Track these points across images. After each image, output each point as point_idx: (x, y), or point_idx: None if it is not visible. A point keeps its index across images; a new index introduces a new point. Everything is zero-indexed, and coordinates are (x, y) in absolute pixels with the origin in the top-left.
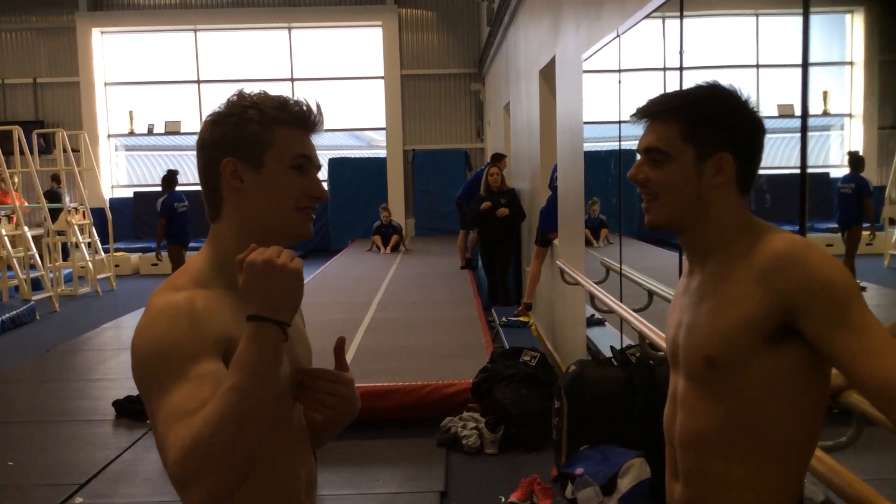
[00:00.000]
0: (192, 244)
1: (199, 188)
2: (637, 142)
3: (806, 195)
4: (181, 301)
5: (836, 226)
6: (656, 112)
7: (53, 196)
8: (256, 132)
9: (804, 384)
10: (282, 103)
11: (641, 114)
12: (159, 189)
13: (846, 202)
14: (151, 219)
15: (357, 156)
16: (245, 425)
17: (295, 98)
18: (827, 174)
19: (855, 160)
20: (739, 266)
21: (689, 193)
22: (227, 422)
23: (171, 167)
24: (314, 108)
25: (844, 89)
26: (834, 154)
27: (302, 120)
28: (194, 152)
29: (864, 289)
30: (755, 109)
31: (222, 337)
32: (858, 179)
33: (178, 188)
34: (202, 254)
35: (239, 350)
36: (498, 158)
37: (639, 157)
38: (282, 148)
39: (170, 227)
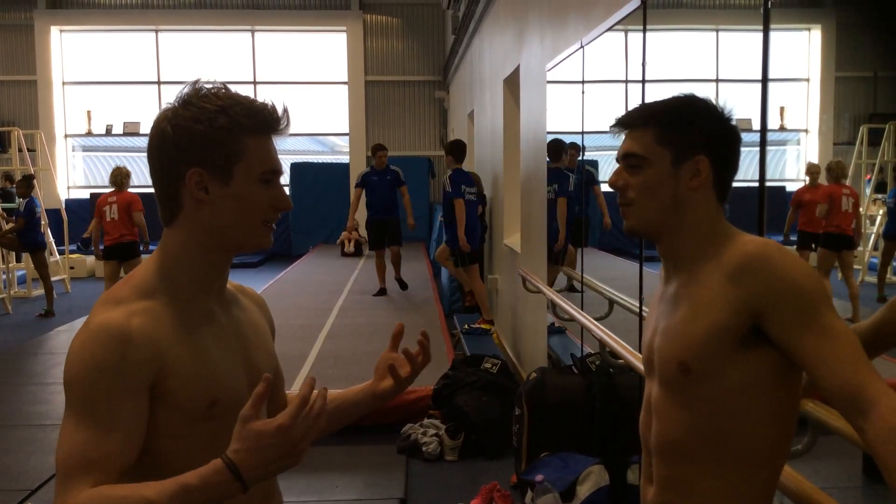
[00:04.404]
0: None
1: (152, 190)
2: (601, 151)
3: (764, 208)
4: (117, 323)
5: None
6: (633, 120)
7: (6, 195)
8: (226, 142)
9: (776, 390)
10: (251, 110)
11: (619, 124)
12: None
13: (891, 214)
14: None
15: (319, 161)
16: None
17: (262, 101)
18: (783, 188)
19: None
20: (712, 270)
21: (666, 197)
22: None
23: (130, 168)
24: (282, 113)
25: (801, 105)
26: (790, 168)
27: (271, 127)
28: None
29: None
30: (731, 118)
31: (154, 363)
32: None
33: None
34: (151, 259)
35: (191, 479)
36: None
37: (618, 165)
38: (251, 161)
39: (27, 229)
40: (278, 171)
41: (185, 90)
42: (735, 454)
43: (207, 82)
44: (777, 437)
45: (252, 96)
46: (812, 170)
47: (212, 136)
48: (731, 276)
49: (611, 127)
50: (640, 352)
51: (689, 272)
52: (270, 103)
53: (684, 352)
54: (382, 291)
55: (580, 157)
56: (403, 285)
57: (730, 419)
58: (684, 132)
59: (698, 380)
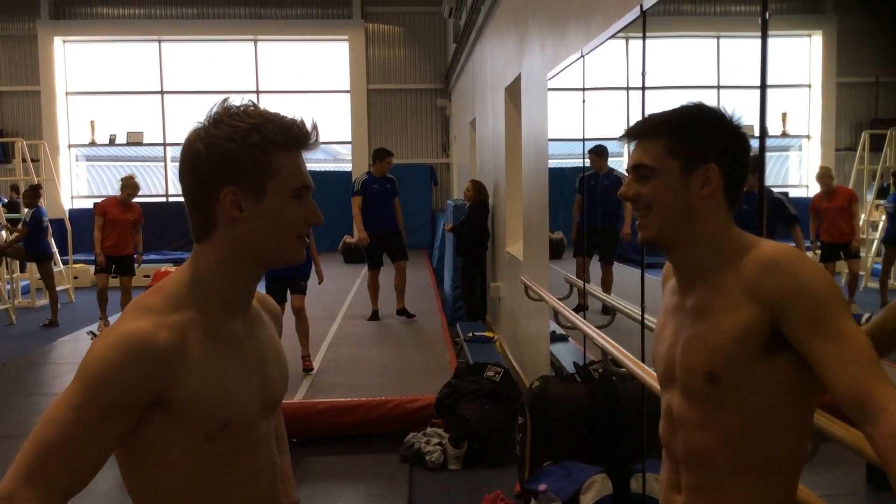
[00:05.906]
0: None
1: (157, 200)
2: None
3: (764, 214)
4: (144, 333)
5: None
6: (642, 131)
7: (13, 206)
8: (259, 159)
9: (799, 397)
10: (282, 127)
11: (628, 135)
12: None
13: (891, 219)
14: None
15: (322, 169)
16: None
17: (291, 117)
18: (785, 194)
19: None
20: (731, 278)
21: (678, 206)
22: None
23: (136, 179)
24: (311, 129)
25: (802, 111)
26: (793, 174)
27: (302, 143)
28: (156, 164)
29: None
30: (739, 125)
31: (166, 377)
32: None
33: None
34: (181, 272)
35: None
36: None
37: (628, 176)
38: (284, 177)
39: (35, 239)
40: (310, 187)
41: (215, 108)
42: (763, 462)
43: (237, 94)
44: (799, 443)
45: (280, 112)
46: (824, 175)
47: (245, 155)
48: (750, 281)
49: (620, 137)
50: (642, 360)
51: (705, 282)
52: (300, 119)
53: (711, 361)
54: (375, 315)
55: (583, 163)
56: (409, 314)
57: (757, 427)
58: (694, 142)
59: (726, 389)
